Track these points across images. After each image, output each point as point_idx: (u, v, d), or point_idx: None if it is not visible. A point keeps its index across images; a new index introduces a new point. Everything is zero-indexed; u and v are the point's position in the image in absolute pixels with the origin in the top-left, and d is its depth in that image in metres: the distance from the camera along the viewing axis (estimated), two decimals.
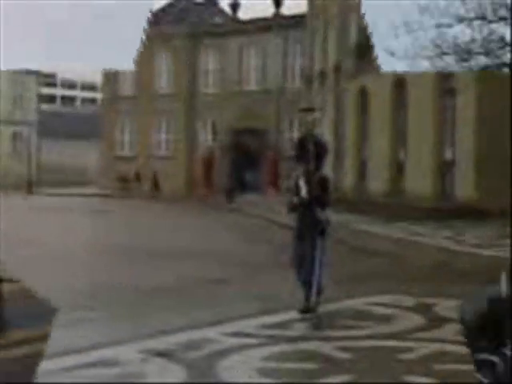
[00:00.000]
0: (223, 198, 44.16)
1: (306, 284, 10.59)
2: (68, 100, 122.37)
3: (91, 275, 14.83)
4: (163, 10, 62.42)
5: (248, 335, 9.35)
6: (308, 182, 10.57)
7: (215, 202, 43.63)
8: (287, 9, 68.88)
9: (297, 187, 10.70)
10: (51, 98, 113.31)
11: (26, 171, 65.86)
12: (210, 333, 9.41)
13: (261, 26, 54.09)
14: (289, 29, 52.00)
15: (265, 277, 14.87)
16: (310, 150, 10.58)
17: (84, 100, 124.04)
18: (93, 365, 8.00)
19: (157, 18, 60.04)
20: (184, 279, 14.20)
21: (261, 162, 52.31)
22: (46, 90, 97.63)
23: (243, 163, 52.54)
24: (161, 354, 8.38)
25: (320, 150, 10.73)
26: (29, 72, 73.98)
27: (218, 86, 55.97)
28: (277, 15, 54.05)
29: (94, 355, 8.35)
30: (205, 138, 56.32)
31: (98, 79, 78.60)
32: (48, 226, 27.78)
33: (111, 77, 60.45)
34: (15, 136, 72.04)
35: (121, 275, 14.89)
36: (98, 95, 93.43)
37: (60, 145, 76.16)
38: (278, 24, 53.11)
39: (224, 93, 54.89)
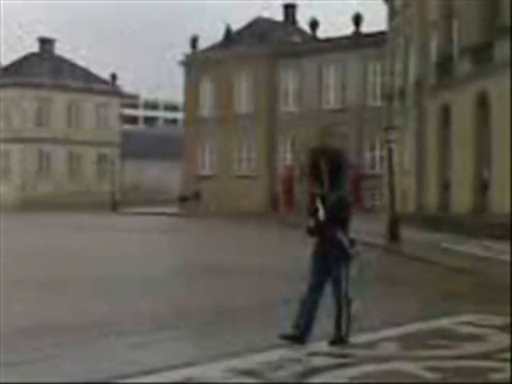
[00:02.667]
0: (304, 216, 44.07)
1: (336, 312, 9.60)
2: (150, 120, 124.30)
3: (174, 295, 14.97)
4: (242, 30, 62.94)
5: (333, 355, 9.29)
6: (324, 202, 9.56)
7: (296, 219, 43.60)
8: (366, 26, 68.74)
9: (314, 208, 9.67)
10: (134, 119, 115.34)
11: (110, 191, 67.10)
12: (294, 353, 9.38)
13: (340, 44, 54.11)
14: (368, 46, 51.84)
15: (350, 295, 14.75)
16: (322, 167, 9.64)
17: (166, 120, 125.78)
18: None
19: (236, 39, 60.64)
20: (266, 298, 14.22)
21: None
22: (129, 112, 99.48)
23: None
24: (245, 373, 8.40)
25: (335, 166, 9.77)
26: (112, 93, 75.44)
27: (298, 105, 56.10)
28: (356, 33, 53.99)
29: (181, 374, 8.43)
30: (285, 157, 56.45)
31: (179, 100, 79.68)
32: (130, 245, 28.15)
33: (192, 97, 61.14)
34: (99, 156, 73.43)
35: (203, 294, 14.98)
36: (180, 115, 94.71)
37: (143, 165, 77.40)
38: (358, 42, 53.03)
39: (303, 111, 54.97)
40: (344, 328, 9.55)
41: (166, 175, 76.45)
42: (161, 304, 13.65)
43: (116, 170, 71.83)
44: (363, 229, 32.70)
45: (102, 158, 73.38)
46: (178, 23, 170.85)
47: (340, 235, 9.47)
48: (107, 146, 73.25)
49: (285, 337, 9.49)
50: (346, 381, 8.14)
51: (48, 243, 28.16)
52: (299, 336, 9.49)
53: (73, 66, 76.26)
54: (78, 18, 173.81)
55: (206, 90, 60.65)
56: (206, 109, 60.55)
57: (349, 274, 9.64)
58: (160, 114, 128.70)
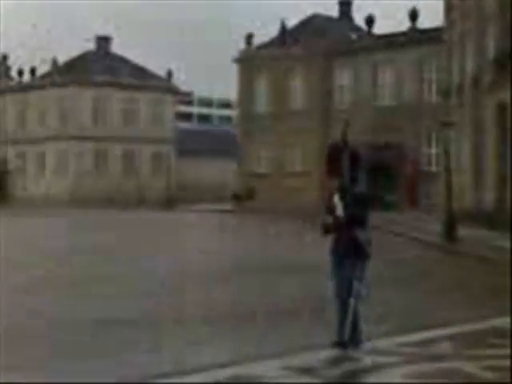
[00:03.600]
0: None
1: (342, 314, 9.20)
2: (204, 118, 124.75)
3: (235, 292, 15.02)
4: (298, 27, 62.85)
5: (388, 353, 9.24)
6: (343, 199, 9.14)
7: None
8: (423, 22, 68.05)
9: (331, 204, 9.21)
10: (188, 116, 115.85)
11: (164, 188, 67.49)
12: (349, 350, 9.35)
13: (396, 40, 53.72)
14: (425, 42, 51.37)
15: (405, 294, 14.69)
16: (345, 162, 9.18)
17: (220, 118, 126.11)
18: (235, 378, 8.12)
19: (291, 36, 60.55)
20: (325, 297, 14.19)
21: (398, 177, 51.74)
22: (183, 109, 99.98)
23: (380, 179, 52.06)
24: (303, 370, 8.40)
25: (354, 161, 9.30)
26: (168, 91, 75.88)
27: (353, 102, 55.83)
28: (412, 29, 53.53)
29: (239, 370, 8.47)
30: None
31: (233, 97, 79.88)
32: (185, 242, 28.29)
33: (246, 94, 61.26)
34: (154, 154, 73.93)
35: (264, 292, 14.99)
36: (234, 113, 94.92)
37: (197, 162, 77.77)
38: (414, 38, 52.58)
39: (358, 108, 54.70)
40: (348, 331, 9.07)
41: (219, 173, 76.70)
42: (222, 301, 13.71)
43: (171, 168, 72.30)
44: (419, 227, 32.47)
45: (156, 156, 73.87)
46: (233, 20, 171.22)
47: (359, 233, 9.08)
48: (162, 144, 73.73)
49: (334, 343, 9.18)
50: (400, 379, 8.09)
51: (117, 240, 28.34)
52: (342, 342, 9.14)
53: (129, 64, 76.88)
54: (134, 16, 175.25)
55: (261, 87, 60.72)
56: (261, 106, 60.61)
57: (364, 274, 9.20)
58: (214, 111, 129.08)
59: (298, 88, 58.64)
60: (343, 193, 9.13)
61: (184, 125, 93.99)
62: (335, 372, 8.37)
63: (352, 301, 9.02)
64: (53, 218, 45.12)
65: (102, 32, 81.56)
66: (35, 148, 72.81)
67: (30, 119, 74.24)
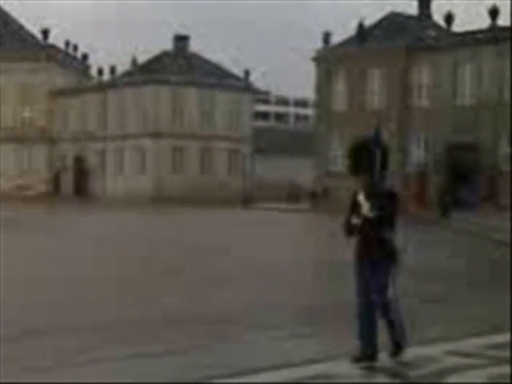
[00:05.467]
0: (436, 214, 43.37)
1: (368, 322, 8.47)
2: (281, 117, 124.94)
3: (301, 292, 14.98)
4: (376, 24, 62.41)
5: (469, 355, 9.09)
6: (370, 197, 8.44)
7: (428, 218, 42.93)
8: (503, 19, 66.86)
9: (355, 204, 8.54)
10: (265, 115, 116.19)
11: (241, 186, 67.72)
12: (431, 351, 9.23)
13: (476, 38, 52.88)
14: (505, 40, 50.46)
15: (484, 295, 14.44)
16: (376, 156, 8.43)
17: (297, 116, 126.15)
18: (312, 378, 8.09)
19: (369, 33, 60.19)
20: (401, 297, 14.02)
21: (476, 177, 50.97)
22: (260, 108, 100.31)
23: (457, 179, 51.39)
24: (380, 370, 8.31)
25: (384, 157, 8.59)
26: (245, 90, 76.17)
27: (432, 101, 55.17)
28: (493, 26, 52.63)
29: (317, 368, 8.43)
30: (417, 153, 55.66)
31: (310, 96, 79.75)
32: (260, 241, 28.32)
33: (324, 93, 61.11)
34: (231, 152, 74.28)
35: (339, 290, 14.92)
36: (310, 112, 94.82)
37: (274, 161, 77.88)
38: (494, 35, 51.69)
39: (438, 108, 54.03)
40: (376, 342, 8.41)
41: (296, 171, 76.65)
42: (300, 299, 13.70)
43: (247, 166, 72.56)
44: (504, 228, 31.88)
45: (233, 154, 74.22)
46: (311, 18, 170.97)
47: (389, 234, 8.39)
48: (239, 142, 74.06)
49: (356, 358, 8.40)
50: (484, 381, 7.94)
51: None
52: (370, 354, 8.43)
53: (206, 63, 77.43)
54: (212, 15, 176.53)
55: (339, 85, 60.50)
56: (338, 104, 60.39)
57: (395, 279, 8.47)
58: (291, 110, 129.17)
59: (376, 86, 58.24)
60: (371, 191, 8.42)
61: (261, 123, 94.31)
62: (417, 372, 8.26)
63: (393, 307, 8.36)
64: (150, 216, 45.78)
65: (180, 31, 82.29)
66: (114, 146, 73.92)
67: (110, 118, 75.37)
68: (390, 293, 8.33)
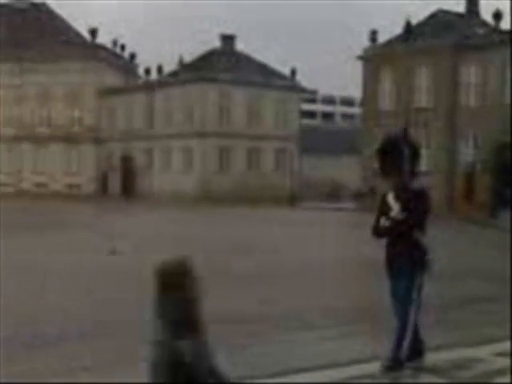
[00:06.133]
0: (485, 214, 42.96)
1: (401, 328, 8.08)
2: (328, 115, 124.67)
3: (348, 291, 14.97)
4: (423, 22, 61.96)
5: None
6: (400, 198, 8.06)
7: (476, 218, 42.53)
8: None
9: (384, 205, 8.18)
10: (312, 114, 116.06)
11: (288, 185, 67.66)
12: (479, 352, 9.17)
13: None
14: None
15: None
16: (405, 155, 8.06)
17: (343, 115, 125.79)
18: (358, 377, 8.10)
19: (416, 32, 59.76)
20: (449, 298, 13.95)
21: None
22: (307, 107, 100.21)
23: (507, 178, 50.79)
24: (429, 370, 8.28)
25: (415, 155, 8.28)
26: (292, 89, 76.15)
27: (480, 100, 54.60)
28: None
29: (363, 368, 8.43)
30: (466, 153, 55.15)
31: (356, 95, 79.44)
32: (307, 240, 28.31)
33: (370, 92, 60.86)
34: (278, 151, 74.29)
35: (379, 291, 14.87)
36: (357, 110, 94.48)
37: (321, 160, 77.78)
38: None
39: (486, 106, 53.46)
40: (406, 348, 8.04)
41: (343, 170, 76.49)
42: (347, 298, 13.70)
43: (294, 165, 72.54)
44: None
45: (280, 153, 74.21)
46: (357, 16, 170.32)
47: (418, 236, 8.00)
48: (286, 141, 74.02)
49: (387, 366, 8.09)
50: None
51: (247, 237, 28.64)
52: (398, 359, 8.09)
53: (253, 62, 77.54)
54: (259, 14, 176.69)
55: (385, 84, 60.20)
56: (385, 103, 60.09)
57: (423, 282, 8.09)
58: (337, 108, 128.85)
59: (424, 85, 57.83)
60: (401, 190, 8.05)
61: (307, 122, 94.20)
62: (466, 373, 8.22)
63: (412, 311, 7.96)
64: (197, 216, 46.02)
65: (226, 31, 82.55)
66: (161, 145, 74.37)
67: (156, 117, 75.85)
68: (414, 296, 8.01)
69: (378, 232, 8.18)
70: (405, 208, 7.96)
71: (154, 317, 4.48)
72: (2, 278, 15.19)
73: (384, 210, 8.14)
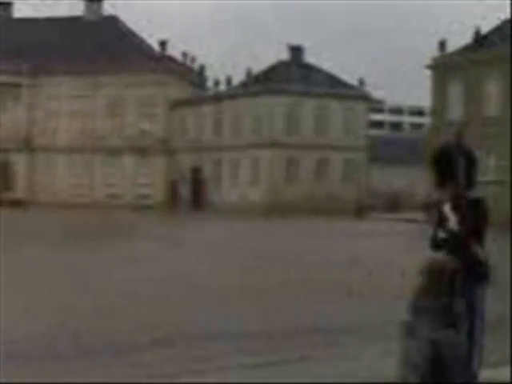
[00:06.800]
0: None
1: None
2: (396, 125, 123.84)
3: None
4: (492, 31, 61.28)
5: None
6: (457, 208, 7.78)
7: None
8: None
9: (441, 217, 7.95)
10: (379, 124, 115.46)
11: (356, 196, 67.42)
12: None
13: None
14: None
15: None
16: (460, 164, 7.78)
17: (412, 125, 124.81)
18: None
19: (486, 41, 59.11)
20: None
21: None
22: (374, 116, 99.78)
23: None
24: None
25: (471, 163, 7.90)
26: (360, 99, 75.96)
27: None
28: None
29: None
30: None
31: (425, 104, 78.83)
32: (378, 251, 28.23)
33: (439, 101, 60.36)
34: (346, 162, 74.12)
35: None
36: (426, 120, 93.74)
37: (389, 170, 77.35)
38: None
39: None
40: (476, 362, 7.59)
41: (412, 181, 75.94)
42: None
43: (362, 176, 72.31)
44: None
45: (348, 164, 74.03)
46: (425, 26, 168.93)
47: (477, 249, 7.62)
48: (354, 151, 73.83)
49: None
50: None
51: (317, 249, 28.77)
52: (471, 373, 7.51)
53: (321, 73, 77.62)
54: (326, 25, 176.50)
55: (455, 93, 59.65)
56: (455, 113, 59.53)
57: (485, 295, 7.73)
58: (406, 118, 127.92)
59: (494, 94, 57.15)
60: (458, 201, 7.74)
61: (375, 132, 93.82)
62: None
63: (477, 328, 7.53)
64: (267, 227, 46.17)
65: (294, 42, 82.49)
66: (230, 156, 74.88)
67: (225, 128, 76.43)
68: (476, 312, 7.59)
69: (435, 244, 7.87)
70: (462, 219, 7.66)
71: (417, 314, 4.56)
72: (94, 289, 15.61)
73: (441, 221, 7.87)
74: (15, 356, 9.47)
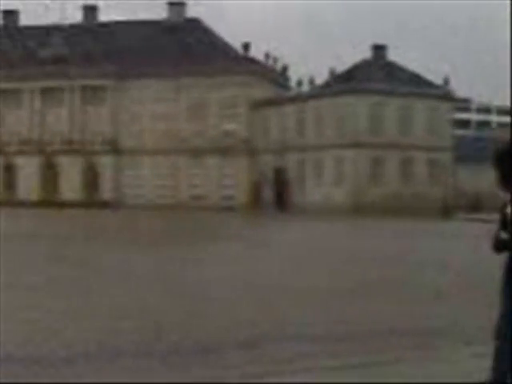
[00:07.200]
0: None
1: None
2: (483, 125, 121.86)
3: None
4: None
5: None
6: None
7: None
8: None
9: (505, 217, 7.76)
10: (465, 123, 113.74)
11: (442, 196, 66.50)
12: None
13: None
14: None
15: None
16: None
17: (500, 125, 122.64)
18: None
19: None
20: None
21: None
22: (460, 116, 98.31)
23: None
24: None
25: None
26: (444, 98, 74.96)
27: None
28: None
29: None
30: None
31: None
32: (468, 253, 27.72)
33: None
34: (431, 161, 73.20)
35: None
36: None
37: (475, 170, 76.09)
38: None
39: None
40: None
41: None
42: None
43: (448, 176, 71.28)
44: None
45: (433, 163, 73.08)
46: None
47: None
48: (439, 151, 72.86)
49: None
50: None
51: (405, 250, 28.50)
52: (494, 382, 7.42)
53: (405, 72, 76.86)
54: (410, 24, 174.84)
55: None
56: None
57: None
58: (493, 118, 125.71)
59: None
60: None
61: (461, 132, 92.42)
62: None
63: None
64: (356, 227, 45.94)
65: (378, 41, 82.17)
66: (313, 156, 74.73)
67: (308, 129, 76.31)
68: None
69: (497, 246, 7.73)
70: None
71: None
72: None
73: (503, 222, 7.70)
74: (116, 352, 9.57)
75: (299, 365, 9.15)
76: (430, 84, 76.29)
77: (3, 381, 8.06)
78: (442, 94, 74.97)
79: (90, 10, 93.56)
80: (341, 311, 13.37)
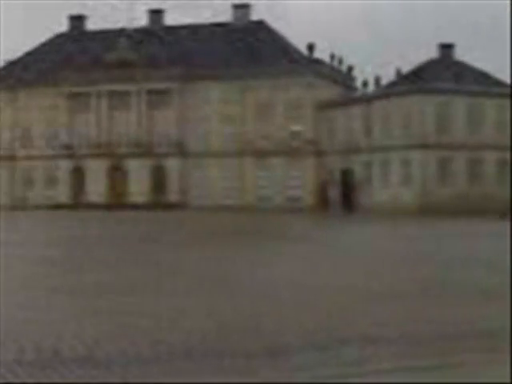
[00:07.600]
0: None
1: None
2: None
3: None
4: None
5: None
6: None
7: None
8: None
9: None
10: None
11: (508, 196, 65.35)
12: None
13: None
14: None
15: None
16: None
17: None
18: None
19: None
20: None
21: None
22: None
23: None
24: None
25: None
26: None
27: None
28: None
29: None
30: None
31: None
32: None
33: None
34: (500, 161, 72.05)
35: None
36: None
37: None
38: None
39: None
40: None
41: None
42: None
43: None
44: None
45: (503, 163, 71.94)
46: None
47: None
48: (508, 150, 71.65)
49: None
50: None
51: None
52: None
53: (473, 71, 75.89)
54: (478, 23, 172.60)
55: None
56: None
57: None
58: None
59: None
60: None
61: None
62: None
63: None
64: (421, 230, 45.54)
65: (445, 40, 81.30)
66: (380, 157, 74.19)
67: (375, 129, 75.81)
68: None
69: None
70: None
71: None
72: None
73: None
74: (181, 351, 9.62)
75: (368, 367, 9.09)
76: (498, 83, 75.12)
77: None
78: (510, 92, 73.68)
79: (156, 14, 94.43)
80: (405, 314, 13.25)
